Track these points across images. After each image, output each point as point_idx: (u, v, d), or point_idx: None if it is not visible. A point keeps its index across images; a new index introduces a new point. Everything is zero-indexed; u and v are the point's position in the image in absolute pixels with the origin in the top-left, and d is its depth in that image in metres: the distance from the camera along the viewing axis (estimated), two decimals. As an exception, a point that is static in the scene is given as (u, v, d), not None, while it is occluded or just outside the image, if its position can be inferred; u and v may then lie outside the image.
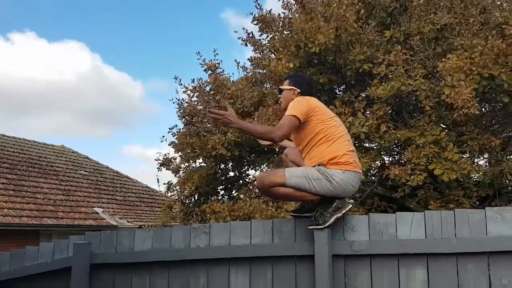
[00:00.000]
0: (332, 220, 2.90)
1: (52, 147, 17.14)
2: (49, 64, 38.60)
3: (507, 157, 6.73)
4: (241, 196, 8.60)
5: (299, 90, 3.22)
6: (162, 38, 37.47)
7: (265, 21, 7.96)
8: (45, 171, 14.33)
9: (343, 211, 2.92)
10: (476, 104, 5.62)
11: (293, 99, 3.16)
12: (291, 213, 3.29)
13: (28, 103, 36.58)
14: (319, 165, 2.93)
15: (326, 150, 2.94)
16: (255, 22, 8.09)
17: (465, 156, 6.94)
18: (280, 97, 3.42)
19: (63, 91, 36.47)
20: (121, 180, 17.61)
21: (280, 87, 3.41)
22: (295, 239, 3.11)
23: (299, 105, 3.00)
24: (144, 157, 42.29)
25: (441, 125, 6.89)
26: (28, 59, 36.24)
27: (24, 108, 37.02)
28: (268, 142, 3.42)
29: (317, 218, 2.96)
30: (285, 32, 7.50)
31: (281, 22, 7.81)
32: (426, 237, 2.80)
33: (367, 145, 8.00)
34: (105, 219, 13.16)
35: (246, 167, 9.54)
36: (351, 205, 2.99)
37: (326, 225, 2.89)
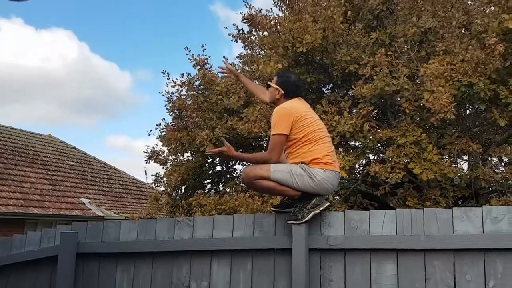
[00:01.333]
0: (310, 216, 3.06)
1: (39, 136, 17.09)
2: (35, 52, 38.25)
3: (484, 162, 6.95)
4: (228, 190, 8.76)
5: (283, 92, 3.35)
6: (151, 28, 37.36)
7: (254, 21, 8.08)
8: (32, 160, 14.31)
9: (321, 208, 3.09)
10: (453, 110, 5.81)
11: (277, 99, 3.32)
12: (272, 209, 3.45)
13: (14, 90, 36.25)
14: (302, 163, 3.08)
15: (309, 151, 3.12)
16: (245, 21, 8.21)
17: (445, 158, 7.15)
18: (268, 90, 3.58)
19: (50, 79, 36.22)
20: (108, 171, 17.63)
21: (268, 82, 3.55)
22: (275, 233, 3.26)
23: (282, 120, 3.15)
24: (130, 148, 42.19)
25: (423, 126, 7.09)
26: (15, 46, 35.85)
27: (9, 96, 36.66)
28: None
29: (296, 213, 3.11)
30: (273, 33, 7.62)
31: (269, 23, 7.93)
32: (396, 233, 2.97)
33: (352, 143, 8.21)
34: (91, 209, 13.21)
35: (232, 162, 9.68)
36: (328, 203, 3.15)
37: (304, 221, 3.05)
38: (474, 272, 2.80)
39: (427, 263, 2.89)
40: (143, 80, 42.69)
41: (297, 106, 3.27)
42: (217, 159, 9.30)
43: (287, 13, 8.19)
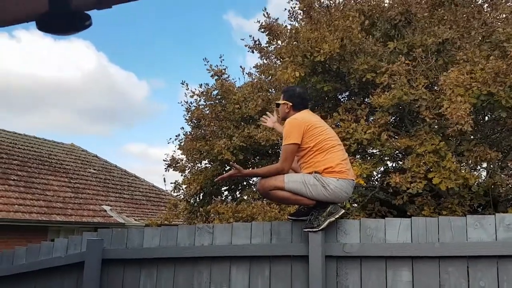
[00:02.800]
0: (325, 224, 3.14)
1: (62, 145, 17.50)
2: (54, 62, 39.13)
3: (503, 169, 6.93)
4: (245, 197, 8.88)
5: (291, 104, 3.46)
6: (165, 37, 37.86)
7: (272, 29, 8.22)
8: (55, 169, 14.67)
9: (336, 216, 3.17)
10: (470, 122, 5.83)
11: (287, 112, 3.44)
12: (289, 217, 3.55)
13: (33, 100, 37.09)
14: (315, 172, 3.18)
15: (322, 160, 3.21)
16: (262, 30, 8.36)
17: (463, 165, 7.15)
18: (278, 110, 3.71)
19: (68, 89, 36.98)
20: (128, 179, 17.93)
21: (276, 102, 3.67)
22: (292, 240, 3.36)
23: (292, 130, 3.26)
24: (146, 155, 42.72)
25: (441, 134, 7.10)
26: (34, 57, 36.75)
27: (28, 105, 37.54)
28: None
29: (312, 221, 3.20)
30: (291, 42, 7.75)
31: (287, 32, 8.07)
32: (412, 241, 3.03)
33: (369, 151, 8.25)
34: (112, 216, 13.46)
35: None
36: (343, 211, 3.24)
37: (320, 228, 3.14)
38: (487, 278, 2.85)
39: (441, 270, 2.95)
40: (158, 88, 43.36)
41: (307, 116, 3.38)
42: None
43: (303, 23, 8.32)
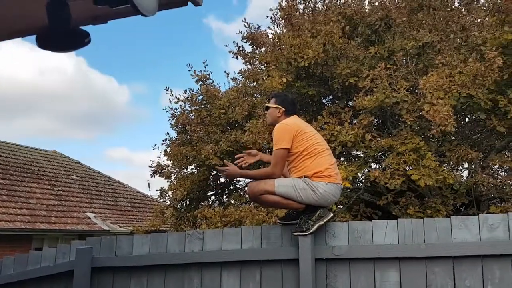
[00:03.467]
0: (315, 227, 3.20)
1: (44, 152, 17.26)
2: (33, 68, 38.53)
3: (484, 169, 7.10)
4: (232, 201, 8.91)
5: (284, 110, 3.52)
6: (144, 42, 37.63)
7: (254, 38, 8.31)
8: (38, 176, 14.47)
9: (325, 220, 3.23)
10: (453, 122, 5.98)
11: (278, 117, 3.49)
12: (278, 221, 3.59)
13: (12, 106, 36.48)
14: (305, 177, 3.24)
15: (311, 165, 3.27)
16: (245, 40, 8.45)
17: (445, 165, 7.31)
18: (266, 113, 3.75)
19: (48, 94, 36.48)
20: (112, 185, 17.77)
21: (267, 104, 3.72)
22: (282, 244, 3.41)
23: (283, 135, 3.31)
24: (130, 160, 42.35)
25: (422, 135, 7.26)
26: (12, 62, 36.17)
27: (7, 111, 36.90)
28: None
29: (301, 225, 3.26)
30: (274, 50, 7.83)
31: (270, 41, 8.17)
32: (398, 242, 3.11)
33: (354, 153, 8.37)
34: (97, 224, 13.33)
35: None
36: (332, 214, 3.30)
37: (309, 232, 3.20)
38: (472, 277, 2.94)
39: (428, 270, 3.03)
40: (140, 92, 43.05)
41: (297, 122, 3.46)
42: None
43: (284, 30, 8.42)
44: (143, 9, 1.17)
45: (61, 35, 1.22)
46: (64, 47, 1.29)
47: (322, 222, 3.22)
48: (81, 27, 1.36)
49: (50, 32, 1.20)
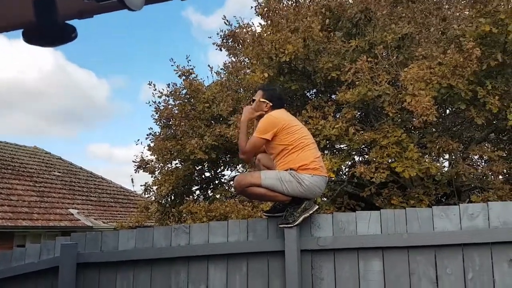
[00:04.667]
0: (300, 219, 3.24)
1: (24, 148, 17.00)
2: (10, 63, 37.74)
3: (465, 159, 7.25)
4: (217, 196, 8.92)
5: (271, 104, 3.55)
6: (123, 34, 37.17)
7: (235, 36, 8.32)
8: (19, 173, 14.27)
9: (310, 212, 3.27)
10: (435, 112, 6.09)
11: (265, 111, 3.51)
12: (264, 213, 3.63)
13: (-10, 103, 35.75)
14: (291, 169, 3.28)
15: (296, 158, 3.30)
16: (225, 39, 8.46)
17: (426, 157, 7.44)
18: (251, 103, 3.74)
19: (27, 90, 35.78)
20: (95, 181, 17.61)
21: (253, 97, 3.73)
22: (268, 237, 3.45)
23: (268, 126, 3.35)
24: (111, 155, 41.92)
25: (404, 127, 7.37)
26: (-13, 59, 35.38)
27: (-16, 109, 36.17)
28: None
29: (287, 217, 3.30)
30: (255, 45, 7.83)
31: (250, 36, 8.18)
32: (381, 232, 3.18)
33: (338, 146, 8.45)
34: (80, 220, 13.22)
35: (222, 168, 9.85)
36: (317, 207, 3.35)
37: (295, 224, 3.24)
38: (454, 265, 3.02)
39: (410, 259, 3.10)
40: (119, 87, 42.56)
41: (285, 116, 3.48)
42: (206, 166, 9.45)
43: (265, 24, 8.43)
44: (130, 4, 1.18)
45: (48, 30, 1.22)
46: (51, 42, 1.29)
47: (308, 214, 3.26)
48: (67, 22, 1.37)
49: (37, 27, 1.20)
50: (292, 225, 3.25)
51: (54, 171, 16.21)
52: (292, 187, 3.24)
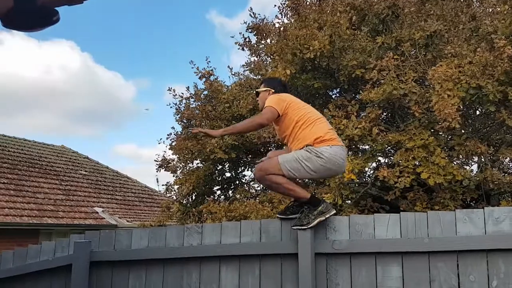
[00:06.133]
0: (315, 222, 3.10)
1: (52, 147, 17.34)
2: (39, 64, 38.72)
3: (494, 163, 6.94)
4: (237, 196, 8.84)
5: (273, 91, 3.51)
6: (149, 37, 37.65)
7: (259, 29, 8.21)
8: (46, 171, 14.54)
9: (327, 215, 3.12)
10: (458, 118, 5.83)
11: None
12: (278, 215, 3.50)
13: (19, 102, 36.71)
14: (307, 145, 3.14)
15: (310, 132, 3.18)
16: (250, 30, 8.34)
17: (454, 160, 7.15)
18: (257, 100, 3.70)
19: (55, 90, 36.62)
20: (120, 180, 17.82)
21: (256, 90, 3.67)
22: (281, 238, 3.32)
23: (274, 100, 3.29)
24: (137, 155, 42.52)
25: (431, 129, 7.11)
26: (18, 59, 36.33)
27: (14, 108, 37.16)
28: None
29: (301, 219, 3.17)
30: (280, 40, 7.73)
31: (276, 31, 8.06)
32: (401, 236, 3.01)
33: (361, 147, 8.25)
34: (104, 218, 13.37)
35: (242, 168, 9.78)
36: (334, 211, 3.19)
37: (309, 226, 3.11)
38: (477, 272, 2.83)
39: (431, 265, 2.93)
40: (145, 88, 43.14)
41: (289, 95, 3.43)
42: (227, 166, 9.39)
43: (292, 20, 8.30)
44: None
45: (26, 13, 1.15)
46: (30, 26, 1.22)
47: (323, 218, 3.12)
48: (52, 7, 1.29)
49: (15, 9, 1.13)
50: (306, 227, 3.12)
51: (81, 170, 16.46)
52: (313, 164, 3.09)
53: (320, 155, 3.09)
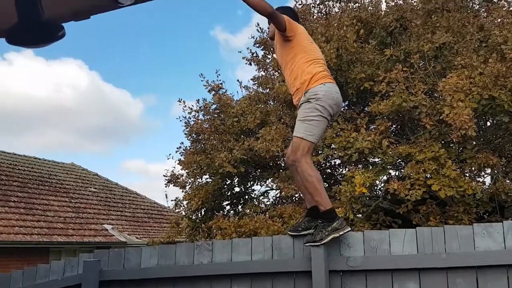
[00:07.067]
0: (328, 239, 3.01)
1: (62, 165, 17.42)
2: (48, 82, 39.09)
3: (507, 174, 6.82)
4: (247, 211, 8.76)
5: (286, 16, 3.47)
6: (155, 55, 38.00)
7: (266, 44, 8.22)
8: (55, 189, 14.57)
9: (341, 233, 3.03)
10: (474, 126, 5.75)
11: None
12: (289, 232, 3.42)
13: (26, 121, 36.98)
14: (305, 93, 3.20)
15: (306, 69, 3.25)
16: (257, 45, 8.37)
17: (465, 173, 7.03)
18: (269, 27, 3.75)
19: (63, 108, 36.84)
20: (130, 197, 17.81)
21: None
22: (294, 255, 3.24)
23: (289, 18, 3.33)
24: (146, 171, 42.55)
25: (442, 141, 7.01)
26: (27, 78, 36.72)
27: (23, 126, 37.42)
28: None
29: (315, 235, 3.08)
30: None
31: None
32: (417, 252, 2.92)
33: (371, 159, 8.15)
34: (114, 235, 13.32)
35: (251, 182, 9.71)
36: (349, 229, 3.09)
37: (322, 243, 3.02)
38: (498, 289, 2.73)
39: (449, 281, 2.83)
40: (152, 104, 43.42)
41: (301, 26, 3.47)
42: (236, 180, 9.33)
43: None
44: (118, -4, 1.05)
45: (31, 29, 1.12)
46: (35, 42, 1.19)
47: (338, 235, 3.03)
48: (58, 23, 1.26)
49: (19, 25, 1.10)
50: (319, 244, 3.03)
51: (90, 187, 16.49)
52: (316, 109, 3.13)
53: (315, 97, 3.16)
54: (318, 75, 3.24)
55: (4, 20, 1.14)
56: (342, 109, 8.54)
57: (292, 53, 3.33)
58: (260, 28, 8.61)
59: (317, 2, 8.78)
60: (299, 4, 8.58)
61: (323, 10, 8.64)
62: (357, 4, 8.55)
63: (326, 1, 8.75)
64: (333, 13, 8.68)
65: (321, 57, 3.44)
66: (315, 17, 8.62)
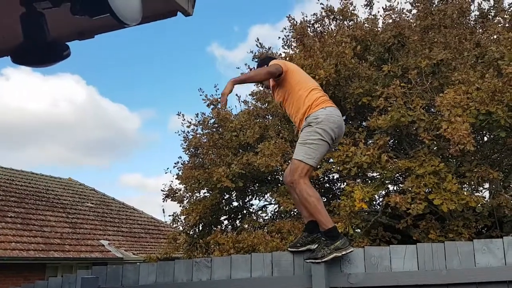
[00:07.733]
0: (330, 257, 2.98)
1: (59, 180, 17.34)
2: (45, 98, 39.17)
3: (505, 189, 6.83)
4: (245, 226, 8.72)
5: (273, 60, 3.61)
6: (152, 69, 38.31)
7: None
8: (52, 204, 14.48)
9: (343, 253, 3.01)
10: (472, 141, 5.78)
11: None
12: (288, 248, 3.39)
13: (24, 136, 36.94)
14: (306, 118, 3.22)
15: (306, 98, 3.29)
16: (256, 60, 8.42)
17: (465, 186, 7.04)
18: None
19: (61, 123, 36.85)
20: (127, 212, 17.71)
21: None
22: (294, 272, 3.22)
23: (276, 60, 3.55)
24: (143, 185, 42.44)
25: (441, 155, 7.03)
26: (24, 93, 36.80)
27: (21, 141, 37.38)
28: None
29: (316, 251, 3.06)
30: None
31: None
32: (418, 269, 2.91)
33: (370, 174, 8.15)
34: (110, 251, 13.21)
35: (249, 197, 9.68)
36: (352, 249, 3.07)
37: (322, 260, 3.00)
38: (500, 306, 2.71)
39: (451, 298, 2.81)
40: (149, 118, 43.52)
41: (291, 63, 3.61)
42: (234, 195, 9.31)
43: (297, 50, 8.37)
44: (123, 17, 1.07)
45: (36, 48, 1.12)
46: (40, 61, 1.19)
47: (339, 254, 3.00)
48: (67, 43, 1.27)
49: (25, 45, 1.10)
50: (319, 261, 3.01)
51: (87, 203, 16.40)
52: (316, 132, 3.13)
53: (317, 120, 3.16)
54: (319, 100, 3.28)
55: (9, 40, 1.14)
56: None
57: (289, 86, 3.38)
58: (260, 43, 8.71)
59: (311, 22, 8.87)
60: (295, 24, 8.67)
61: (318, 29, 8.72)
62: (352, 22, 8.64)
63: (321, 20, 8.84)
64: (329, 30, 8.76)
65: (317, 85, 3.50)
66: (312, 35, 8.70)
